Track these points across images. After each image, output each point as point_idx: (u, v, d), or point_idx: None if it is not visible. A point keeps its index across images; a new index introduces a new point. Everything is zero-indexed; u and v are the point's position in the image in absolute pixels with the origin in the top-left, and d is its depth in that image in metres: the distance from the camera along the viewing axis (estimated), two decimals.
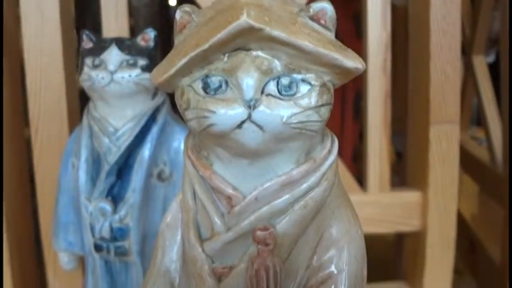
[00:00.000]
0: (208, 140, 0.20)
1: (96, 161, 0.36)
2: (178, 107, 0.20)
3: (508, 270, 0.61)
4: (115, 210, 0.35)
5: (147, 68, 0.35)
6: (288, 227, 0.20)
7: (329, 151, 0.20)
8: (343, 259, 0.20)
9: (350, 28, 0.78)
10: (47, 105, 0.49)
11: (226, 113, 0.18)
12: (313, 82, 0.19)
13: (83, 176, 0.36)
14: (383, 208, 0.59)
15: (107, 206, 0.35)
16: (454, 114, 0.57)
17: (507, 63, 0.61)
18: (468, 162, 0.75)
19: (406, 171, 0.62)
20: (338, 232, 0.21)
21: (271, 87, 0.18)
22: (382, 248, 0.97)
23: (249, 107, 0.18)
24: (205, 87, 0.19)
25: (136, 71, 0.34)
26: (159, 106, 0.36)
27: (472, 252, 0.78)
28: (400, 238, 0.71)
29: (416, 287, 0.61)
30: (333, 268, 0.20)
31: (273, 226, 0.20)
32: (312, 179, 0.20)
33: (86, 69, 0.35)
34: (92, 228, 0.35)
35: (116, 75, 0.34)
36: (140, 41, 0.35)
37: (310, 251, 0.21)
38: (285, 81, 0.18)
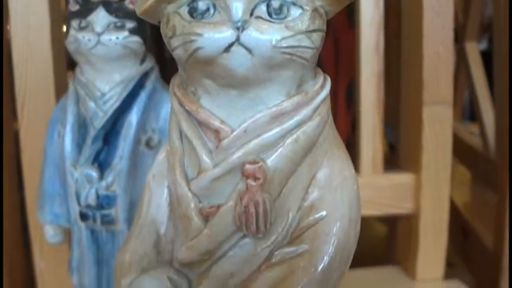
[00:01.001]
0: (195, 71, 0.19)
1: (82, 126, 0.35)
2: (163, 37, 0.19)
3: (505, 257, 0.60)
4: (101, 177, 0.34)
5: (135, 31, 0.34)
6: (278, 162, 0.19)
7: (322, 86, 0.20)
8: (336, 200, 0.19)
9: (343, 19, 0.78)
10: (33, 80, 0.47)
11: (213, 36, 0.17)
12: (304, 6, 0.18)
13: (68, 143, 0.35)
14: (376, 190, 0.58)
15: (93, 173, 0.34)
16: (447, 94, 0.56)
17: (505, 49, 0.60)
18: (460, 149, 0.75)
19: (399, 154, 0.61)
20: (331, 173, 0.20)
21: (261, 9, 0.18)
22: (375, 234, 0.96)
23: (238, 29, 0.17)
24: (192, 11, 0.18)
25: (123, 34, 0.33)
26: (147, 72, 0.35)
27: (464, 240, 0.77)
28: (392, 223, 0.71)
29: (410, 271, 0.60)
30: (324, 210, 0.19)
31: (262, 160, 0.19)
32: (304, 112, 0.19)
33: (72, 31, 0.34)
34: (78, 196, 0.34)
35: (102, 37, 0.33)
36: (128, 3, 0.34)
37: (302, 191, 0.20)
38: (275, 3, 0.18)
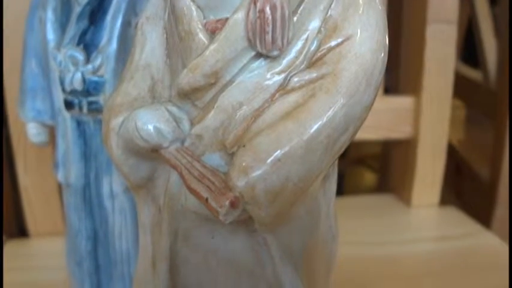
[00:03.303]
0: None
1: (65, 5, 0.31)
2: None
3: (502, 187, 0.59)
4: (88, 59, 0.31)
5: None
6: None
7: None
8: (362, 20, 0.17)
9: None
10: None
11: None
12: None
13: (50, 26, 0.32)
14: (374, 114, 0.56)
15: (79, 54, 0.31)
16: (453, 13, 0.54)
17: None
18: (457, 82, 0.73)
19: (399, 77, 0.59)
20: None
21: None
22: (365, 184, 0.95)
23: None
24: None
25: None
26: None
27: (457, 178, 0.77)
28: (388, 150, 0.69)
29: (405, 198, 0.59)
30: (350, 30, 0.17)
31: None
32: None
33: None
34: (62, 81, 0.31)
35: None
36: None
37: (323, 11, 0.17)
38: None
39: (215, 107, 0.17)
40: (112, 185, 0.33)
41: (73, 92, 0.31)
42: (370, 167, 0.99)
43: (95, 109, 0.31)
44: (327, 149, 0.16)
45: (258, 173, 0.15)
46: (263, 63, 0.17)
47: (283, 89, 0.16)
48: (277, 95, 0.16)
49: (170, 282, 0.19)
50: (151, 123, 0.17)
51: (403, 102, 0.56)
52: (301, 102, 0.16)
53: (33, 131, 0.36)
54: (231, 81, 0.17)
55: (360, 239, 0.49)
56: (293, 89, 0.16)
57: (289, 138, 0.15)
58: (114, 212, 0.33)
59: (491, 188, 0.61)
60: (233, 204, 0.15)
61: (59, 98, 0.32)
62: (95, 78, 0.31)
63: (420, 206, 0.57)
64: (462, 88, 0.74)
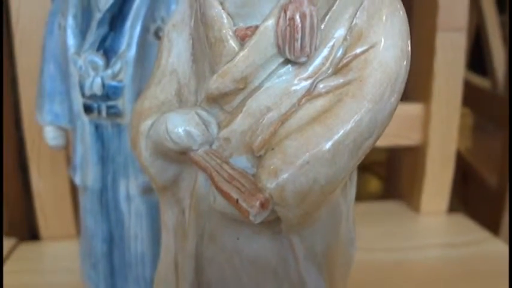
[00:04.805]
0: None
1: (86, 12, 0.32)
2: None
3: (505, 193, 0.60)
4: (107, 64, 0.31)
5: None
6: None
7: None
8: (386, 29, 0.17)
9: None
10: None
11: None
12: None
13: (71, 33, 0.32)
14: None
15: (99, 60, 0.31)
16: (462, 21, 0.54)
17: None
18: (464, 90, 0.73)
19: (408, 83, 0.59)
20: (381, 1, 0.18)
21: None
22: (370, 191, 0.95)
23: None
24: None
25: None
26: None
27: (465, 185, 0.77)
28: (396, 156, 0.70)
29: (414, 204, 0.59)
30: (374, 38, 0.17)
31: None
32: None
33: None
34: (82, 86, 0.32)
35: None
36: None
37: (349, 20, 0.18)
38: None
39: (243, 111, 0.17)
40: (129, 188, 0.33)
41: (92, 96, 0.32)
42: (376, 174, 0.99)
43: (114, 113, 0.32)
44: (353, 153, 0.16)
45: (287, 175, 0.15)
46: (291, 69, 0.17)
47: (309, 94, 0.17)
48: (303, 100, 0.17)
49: (195, 281, 0.19)
50: (181, 126, 0.17)
51: (412, 109, 0.57)
52: (327, 107, 0.16)
53: (50, 135, 0.37)
54: (259, 87, 0.17)
55: (368, 245, 0.49)
56: (319, 95, 0.17)
57: (317, 141, 0.16)
58: (130, 214, 0.34)
59: (499, 195, 0.61)
60: (263, 205, 0.15)
61: (78, 102, 0.33)
62: (114, 83, 0.32)
63: (429, 212, 0.58)
64: (470, 96, 0.74)
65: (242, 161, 0.17)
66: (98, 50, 0.31)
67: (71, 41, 0.33)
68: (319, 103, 0.17)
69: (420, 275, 0.45)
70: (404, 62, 0.17)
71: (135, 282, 0.34)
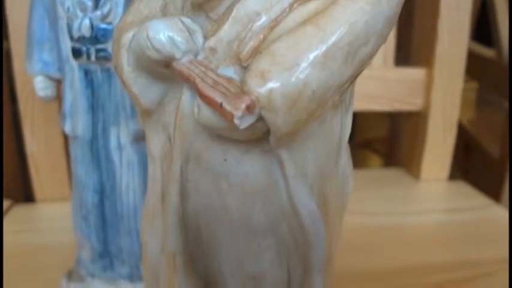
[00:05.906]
0: None
1: None
2: None
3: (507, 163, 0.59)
4: (96, 5, 0.30)
5: None
6: None
7: None
8: None
9: None
10: None
11: None
12: None
13: None
14: (386, 85, 0.55)
15: (87, 0, 0.30)
16: None
17: None
18: (469, 61, 0.72)
19: (410, 47, 0.58)
20: None
21: None
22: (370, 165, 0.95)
23: None
24: None
25: None
26: None
27: (466, 156, 0.76)
28: (397, 122, 0.69)
29: (414, 171, 0.59)
30: None
31: None
32: None
33: None
34: (70, 28, 0.31)
35: None
36: None
37: None
38: None
39: (230, 17, 0.16)
40: (119, 137, 0.32)
41: (81, 38, 0.31)
42: (377, 151, 0.99)
43: (103, 57, 0.31)
44: (347, 59, 0.15)
45: (275, 77, 0.14)
46: None
47: None
48: (295, 5, 0.16)
49: (180, 208, 0.18)
50: (163, 32, 0.16)
51: (414, 73, 0.55)
52: (321, 8, 0.15)
53: (41, 85, 0.36)
54: None
55: (366, 209, 0.48)
56: None
57: (308, 42, 0.15)
58: (121, 165, 0.33)
59: (500, 165, 0.60)
60: (249, 108, 0.14)
61: (67, 46, 0.31)
62: (103, 25, 0.30)
63: (429, 179, 0.57)
64: (475, 66, 0.73)
65: (229, 73, 0.16)
66: None
67: None
68: (313, 6, 0.15)
69: (418, 237, 0.44)
70: None
71: (127, 234, 0.34)
